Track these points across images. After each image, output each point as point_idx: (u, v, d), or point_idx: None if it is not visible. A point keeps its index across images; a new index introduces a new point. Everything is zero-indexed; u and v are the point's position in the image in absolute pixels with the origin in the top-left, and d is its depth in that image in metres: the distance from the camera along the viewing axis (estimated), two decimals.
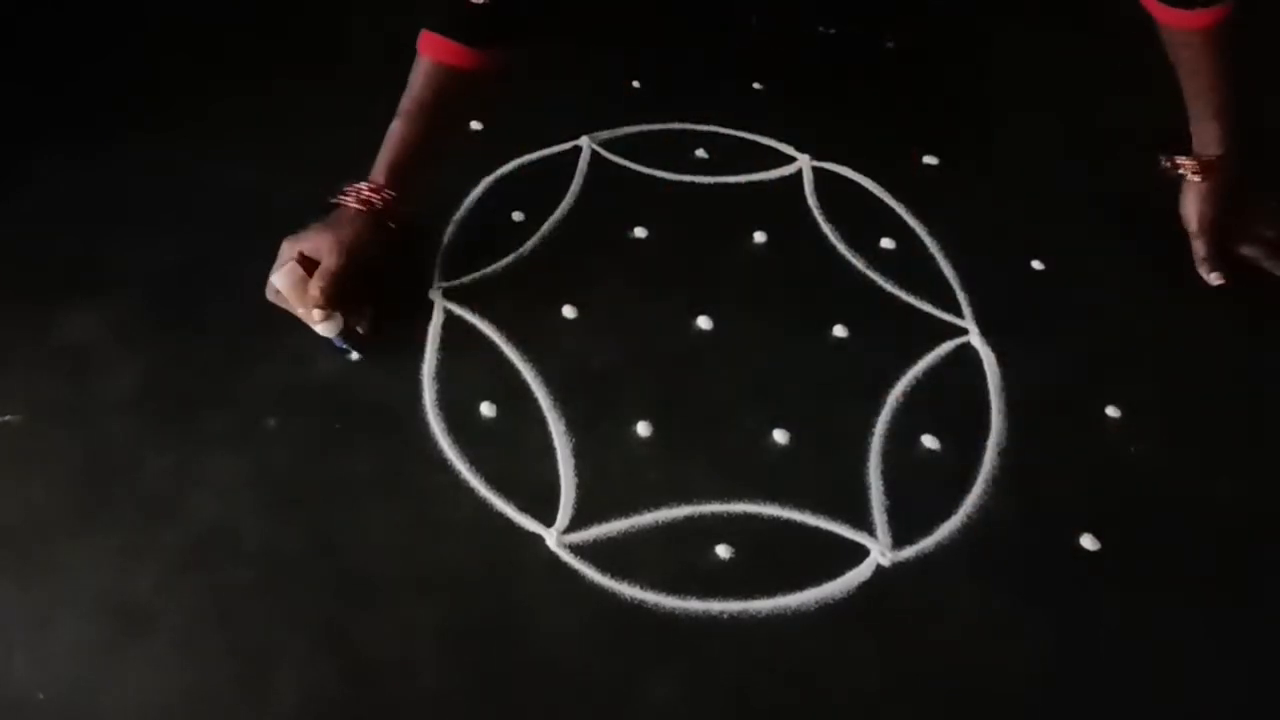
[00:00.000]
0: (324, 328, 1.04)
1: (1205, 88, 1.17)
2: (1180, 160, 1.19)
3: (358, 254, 1.04)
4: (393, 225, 1.07)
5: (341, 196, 1.07)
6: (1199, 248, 1.20)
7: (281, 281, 1.03)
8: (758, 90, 1.37)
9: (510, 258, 1.16)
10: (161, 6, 1.36)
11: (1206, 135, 1.18)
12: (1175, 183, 1.21)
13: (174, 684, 0.87)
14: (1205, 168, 1.18)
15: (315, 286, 1.02)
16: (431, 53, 1.09)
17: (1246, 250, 1.20)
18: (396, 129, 1.09)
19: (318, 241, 1.04)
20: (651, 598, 0.94)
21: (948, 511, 1.01)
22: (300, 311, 1.04)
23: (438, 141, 1.11)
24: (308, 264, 1.04)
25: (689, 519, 0.99)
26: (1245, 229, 1.20)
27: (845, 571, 0.97)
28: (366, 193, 1.06)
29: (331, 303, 1.03)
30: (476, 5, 1.06)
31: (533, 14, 1.10)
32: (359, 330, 1.07)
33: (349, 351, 1.06)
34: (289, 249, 1.05)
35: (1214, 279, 1.19)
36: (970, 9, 1.46)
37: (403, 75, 1.31)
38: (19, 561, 0.92)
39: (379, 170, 1.08)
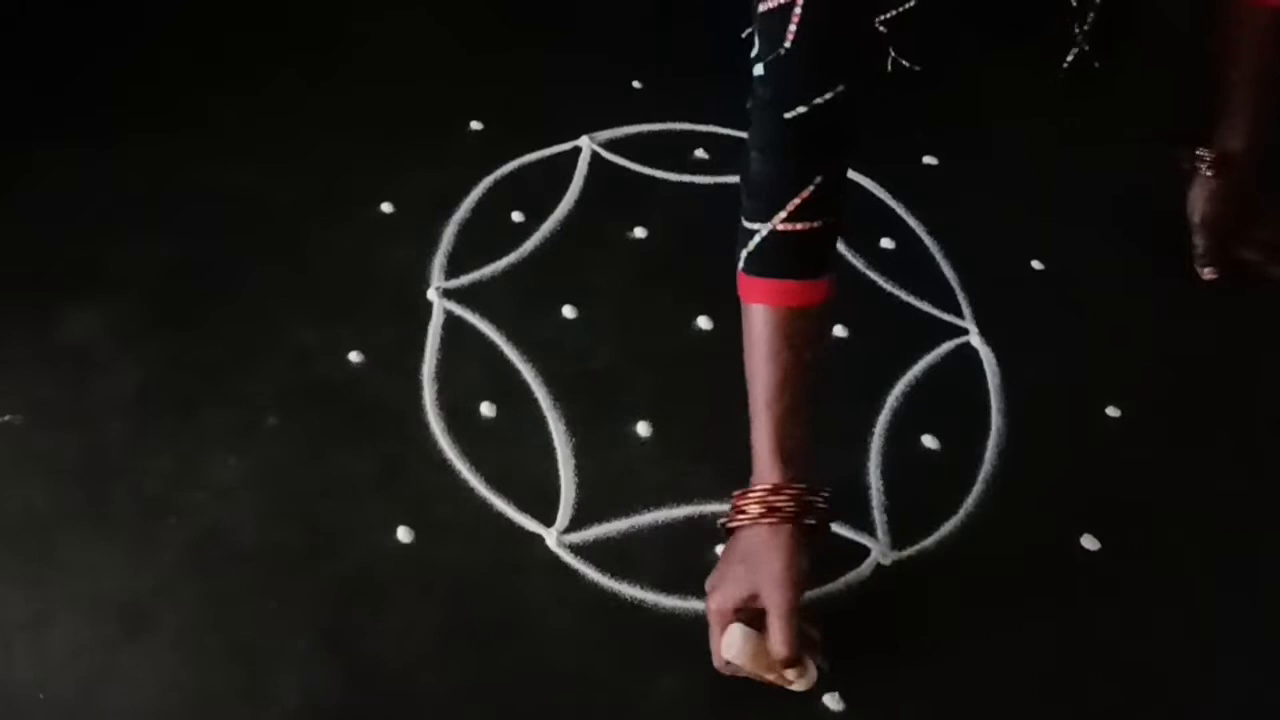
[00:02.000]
0: (802, 684, 0.86)
1: (1248, 79, 1.15)
2: (1200, 153, 1.18)
3: (802, 581, 0.86)
4: (813, 523, 0.88)
5: (738, 516, 0.88)
6: (1199, 243, 1.20)
7: (738, 655, 0.86)
8: None
9: (510, 258, 1.16)
10: (161, 6, 1.36)
11: (1233, 130, 1.17)
12: (1183, 176, 1.20)
13: (174, 684, 0.87)
14: (1222, 164, 1.17)
15: (781, 647, 0.83)
16: (786, 300, 0.89)
17: (1247, 253, 1.20)
18: (771, 410, 0.89)
19: (747, 588, 0.86)
20: (651, 598, 0.94)
21: (948, 511, 1.01)
22: (771, 677, 0.86)
23: (814, 399, 0.90)
24: (751, 619, 0.86)
25: (689, 519, 0.99)
26: (1248, 232, 1.20)
27: (845, 571, 0.97)
28: (771, 500, 0.87)
29: (803, 653, 0.85)
30: (818, 229, 0.88)
31: (846, 204, 0.93)
32: (821, 667, 0.87)
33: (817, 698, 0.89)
34: (718, 610, 0.87)
35: (1208, 274, 1.19)
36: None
37: (403, 75, 1.32)
38: (19, 561, 0.92)
39: (769, 468, 0.88)
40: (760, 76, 0.86)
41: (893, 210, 1.25)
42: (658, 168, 1.26)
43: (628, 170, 1.26)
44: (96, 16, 1.33)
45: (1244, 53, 1.15)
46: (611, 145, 1.28)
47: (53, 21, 1.33)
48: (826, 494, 0.89)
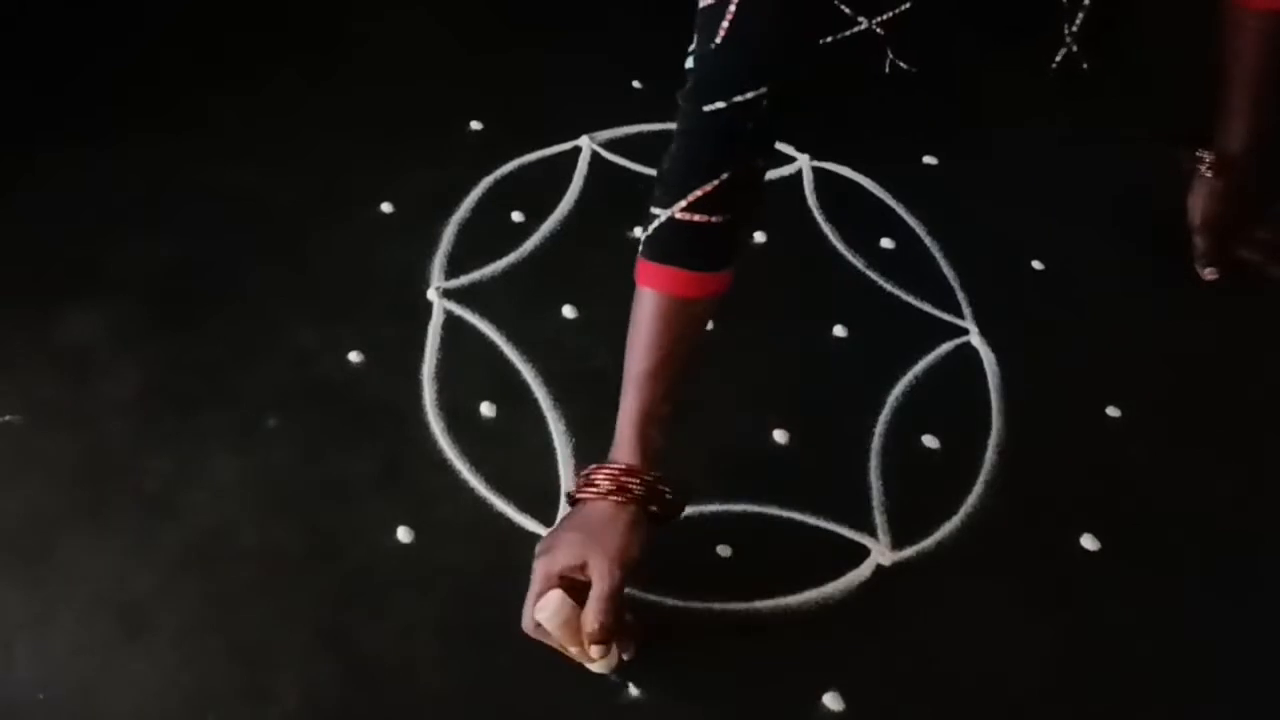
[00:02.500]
0: (602, 665, 0.87)
1: (1248, 80, 1.15)
2: (1200, 154, 1.18)
3: (631, 565, 0.86)
4: (657, 510, 0.89)
5: (586, 489, 0.89)
6: (1198, 242, 1.20)
7: (550, 619, 0.85)
8: None
9: (510, 258, 1.16)
10: (161, 6, 1.36)
11: (1233, 130, 1.17)
12: (1183, 176, 1.20)
13: (174, 684, 0.87)
14: (1221, 165, 1.17)
15: (594, 621, 0.84)
16: (674, 288, 0.90)
17: (1246, 253, 1.20)
18: (641, 392, 0.90)
19: (577, 557, 0.86)
20: (651, 598, 0.94)
21: (948, 511, 1.01)
22: (574, 651, 0.87)
23: (685, 388, 0.92)
24: (572, 587, 0.86)
25: (689, 519, 0.99)
26: (1248, 232, 1.20)
27: (845, 571, 0.97)
28: (622, 479, 0.88)
29: (613, 634, 0.86)
30: (717, 224, 0.88)
31: (755, 206, 0.93)
32: (624, 656, 0.89)
33: (623, 686, 0.89)
34: (544, 572, 0.87)
35: (1208, 274, 1.19)
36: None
37: (403, 75, 1.32)
38: (19, 561, 0.92)
39: (627, 449, 0.89)
40: (690, 68, 0.89)
41: (893, 210, 1.25)
42: (658, 168, 1.26)
43: (628, 170, 1.26)
44: (96, 16, 1.33)
45: (1244, 55, 1.14)
46: (611, 145, 1.28)
47: (53, 21, 1.33)
48: (674, 487, 0.90)
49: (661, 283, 0.90)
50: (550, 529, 0.92)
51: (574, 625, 0.85)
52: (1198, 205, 1.19)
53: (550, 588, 0.86)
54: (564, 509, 0.92)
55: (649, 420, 0.90)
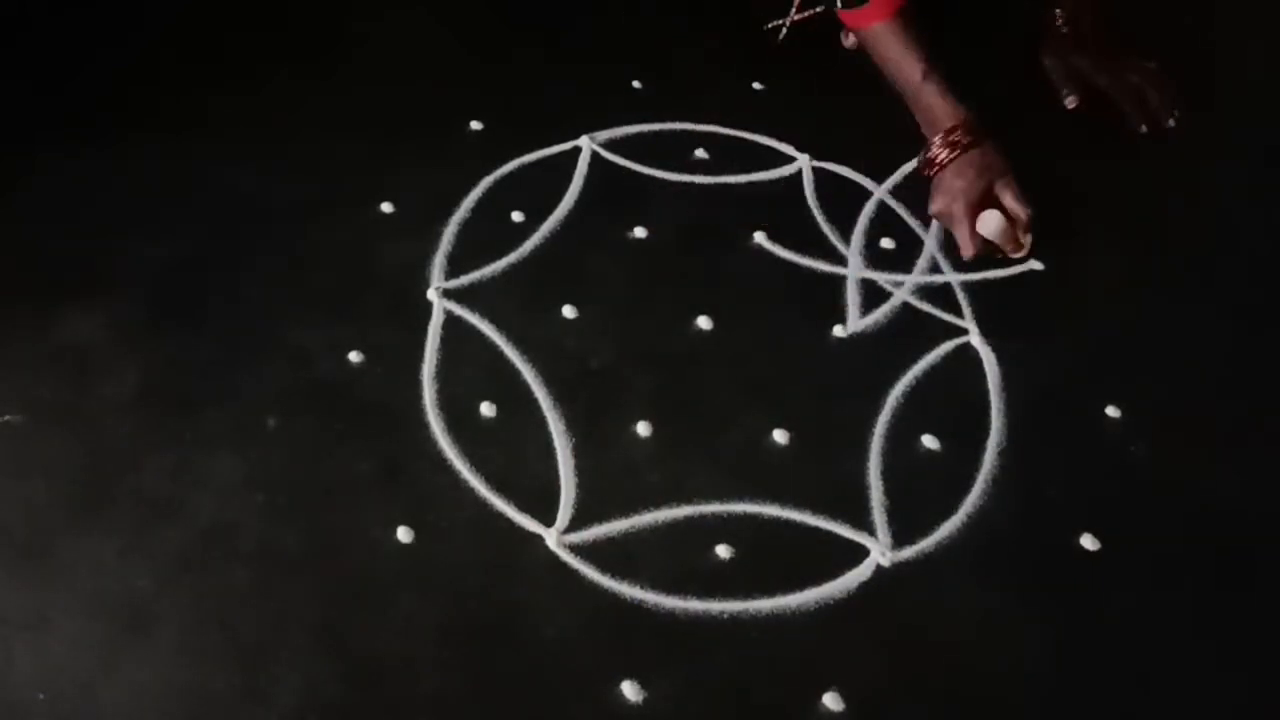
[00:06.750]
0: (1027, 246, 1.19)
1: None
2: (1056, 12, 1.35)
3: (1010, 172, 1.18)
4: (988, 139, 1.19)
5: (933, 166, 1.20)
6: (1051, 74, 1.35)
7: (996, 232, 1.17)
8: (758, 90, 1.37)
9: (510, 258, 1.16)
10: (161, 6, 1.36)
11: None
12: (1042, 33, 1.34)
13: (174, 684, 0.87)
14: (1070, 17, 1.34)
15: (1025, 209, 1.17)
16: (889, 9, 1.22)
17: (1120, 101, 1.32)
18: (927, 85, 1.21)
19: (982, 187, 1.17)
20: (651, 598, 0.94)
21: (948, 511, 1.01)
22: (1009, 248, 1.18)
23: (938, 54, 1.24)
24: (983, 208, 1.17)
25: (689, 519, 0.99)
26: (1116, 76, 1.32)
27: (845, 571, 0.97)
28: (951, 139, 1.18)
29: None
30: None
31: None
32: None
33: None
34: (962, 212, 1.17)
35: (1069, 102, 1.34)
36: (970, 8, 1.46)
37: (403, 75, 1.32)
38: (19, 561, 0.92)
39: (944, 118, 1.20)
40: None
41: (893, 210, 1.25)
42: (658, 168, 1.26)
43: (628, 170, 1.26)
44: (96, 16, 1.33)
45: None
46: (611, 145, 1.28)
47: (53, 21, 1.33)
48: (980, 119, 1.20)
49: (880, 13, 1.22)
50: (940, 195, 1.20)
51: (1009, 227, 1.17)
52: (1051, 50, 1.34)
53: (975, 217, 1.16)
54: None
55: (945, 94, 1.20)
